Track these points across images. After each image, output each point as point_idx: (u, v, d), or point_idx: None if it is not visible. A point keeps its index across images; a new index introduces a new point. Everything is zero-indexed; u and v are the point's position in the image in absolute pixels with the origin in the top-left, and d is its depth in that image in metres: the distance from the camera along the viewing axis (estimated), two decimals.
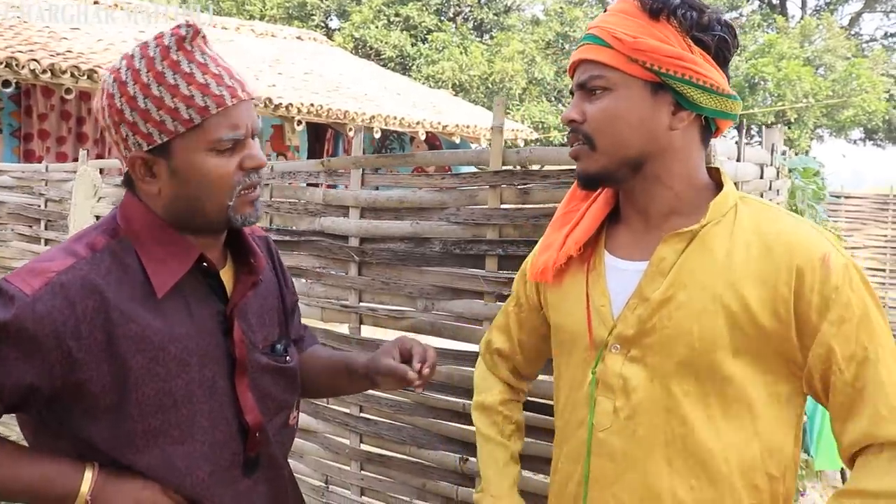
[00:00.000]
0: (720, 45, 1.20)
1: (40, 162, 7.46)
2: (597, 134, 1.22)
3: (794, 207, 3.80)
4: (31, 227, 3.82)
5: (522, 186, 2.01)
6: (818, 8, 22.60)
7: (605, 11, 1.25)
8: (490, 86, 19.10)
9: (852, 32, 22.22)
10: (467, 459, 2.18)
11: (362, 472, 2.45)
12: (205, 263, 1.25)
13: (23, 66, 5.65)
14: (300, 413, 1.54)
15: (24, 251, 3.87)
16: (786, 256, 1.15)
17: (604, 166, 1.23)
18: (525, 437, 1.73)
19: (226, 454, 1.27)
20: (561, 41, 21.02)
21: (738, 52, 20.57)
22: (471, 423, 2.13)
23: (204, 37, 1.22)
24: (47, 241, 3.73)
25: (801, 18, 21.33)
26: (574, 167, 1.38)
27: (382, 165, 2.37)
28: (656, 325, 1.19)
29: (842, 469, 4.82)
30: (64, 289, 1.14)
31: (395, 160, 2.36)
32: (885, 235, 8.96)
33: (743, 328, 1.15)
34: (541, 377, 2.04)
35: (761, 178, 2.73)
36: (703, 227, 1.19)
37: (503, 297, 2.05)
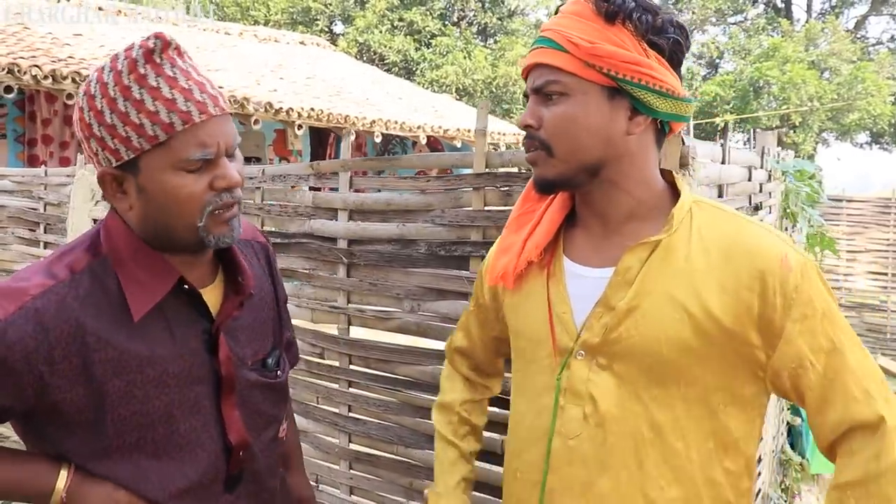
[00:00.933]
0: (674, 48, 1.20)
1: (45, 166, 7.56)
2: (554, 140, 1.21)
3: (787, 210, 3.80)
4: (31, 230, 3.86)
5: (505, 188, 2.04)
6: (823, 11, 22.57)
7: (556, 13, 1.24)
8: (494, 90, 19.15)
9: (858, 36, 22.18)
10: None
11: (351, 471, 2.47)
12: (185, 286, 1.23)
13: (25, 72, 5.70)
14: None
15: (23, 254, 3.91)
16: (746, 262, 1.17)
17: (561, 172, 1.22)
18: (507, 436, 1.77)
19: (207, 471, 1.27)
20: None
21: (743, 55, 20.56)
22: None
23: (177, 48, 1.17)
24: (46, 245, 3.78)
25: (806, 22, 21.30)
26: None
27: (370, 168, 2.40)
28: (622, 334, 1.20)
29: None
30: (38, 314, 1.13)
31: (381, 163, 2.39)
32: (888, 239, 8.93)
33: (708, 333, 1.17)
34: None
35: (749, 180, 2.75)
36: (665, 238, 1.19)
37: None
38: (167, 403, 1.22)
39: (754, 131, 19.90)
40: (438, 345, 2.25)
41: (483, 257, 2.06)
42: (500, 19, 21.63)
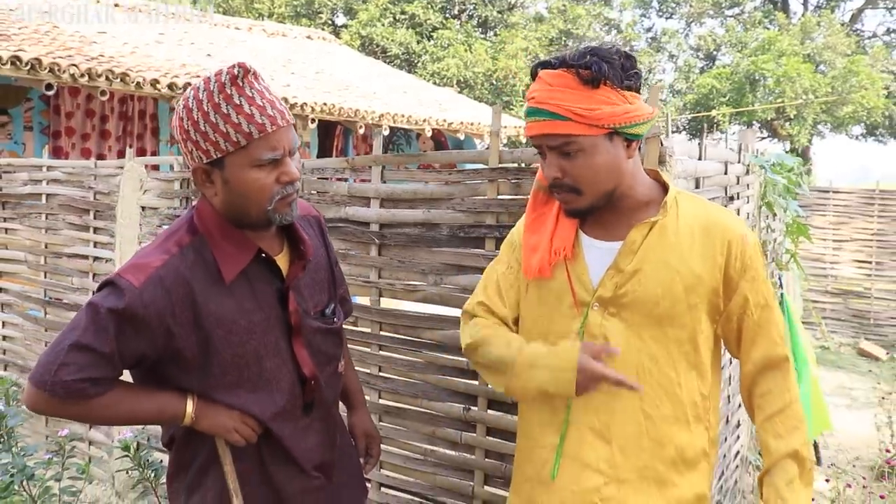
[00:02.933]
0: (637, 80, 1.58)
1: (67, 157, 7.92)
2: (581, 184, 1.58)
3: (764, 200, 4.18)
4: (80, 217, 4.24)
5: (515, 181, 2.43)
6: (820, 5, 22.79)
7: (535, 81, 1.57)
8: (494, 82, 19.46)
9: (853, 29, 22.39)
10: (469, 409, 2.60)
11: (381, 422, 2.86)
12: (263, 254, 1.64)
13: (64, 71, 6.07)
14: None
15: (73, 238, 4.29)
16: (719, 235, 1.63)
17: (591, 203, 1.62)
18: None
19: (289, 398, 1.70)
20: (564, 38, 21.37)
21: (740, 48, 20.83)
22: (473, 378, 2.58)
23: (255, 74, 1.55)
24: (96, 230, 4.15)
25: (803, 15, 21.55)
26: None
27: (398, 163, 2.80)
28: (628, 289, 1.62)
29: (815, 442, 5.18)
30: (162, 280, 1.54)
31: (409, 159, 2.79)
32: (872, 229, 9.33)
33: (692, 287, 1.62)
34: None
35: (725, 173, 3.13)
36: (660, 219, 1.63)
37: None
38: (256, 347, 1.64)
39: (751, 124, 20.15)
40: (458, 312, 2.64)
41: (496, 238, 2.47)
42: (500, 12, 21.89)
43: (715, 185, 2.96)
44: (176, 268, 1.56)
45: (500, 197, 2.47)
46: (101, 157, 8.32)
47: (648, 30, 25.20)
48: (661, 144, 2.15)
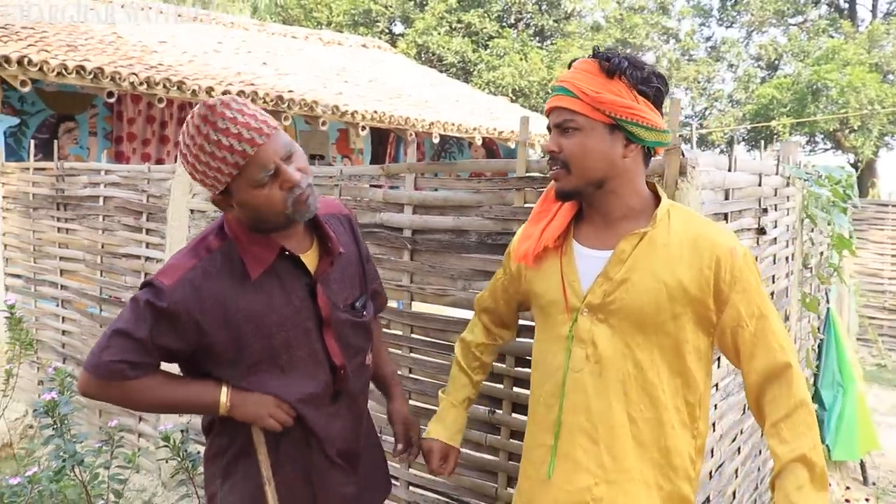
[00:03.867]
0: (656, 94, 1.68)
1: (128, 162, 8.23)
2: (571, 161, 1.69)
3: (806, 213, 4.14)
4: (134, 218, 4.43)
5: (541, 189, 2.49)
6: (890, 12, 22.18)
7: (569, 68, 1.71)
8: (549, 91, 19.46)
9: None
10: (494, 411, 2.66)
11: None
12: (287, 252, 1.76)
13: (124, 79, 6.35)
14: None
15: (127, 239, 4.49)
16: (707, 249, 1.68)
17: (576, 185, 1.71)
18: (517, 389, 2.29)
19: (319, 384, 1.82)
20: (621, 47, 21.30)
21: (802, 58, 20.39)
22: (498, 382, 2.64)
23: (223, 102, 1.61)
24: (148, 231, 4.33)
25: (871, 23, 21.00)
26: None
27: (431, 171, 2.88)
28: (616, 297, 1.70)
29: (861, 461, 5.09)
30: (191, 281, 1.69)
31: (442, 167, 2.86)
32: None
33: (678, 299, 1.67)
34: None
35: (759, 185, 3.13)
36: (650, 230, 1.69)
37: None
38: (286, 338, 1.77)
39: (813, 135, 19.64)
40: None
41: None
42: (556, 21, 21.90)
43: (746, 196, 2.96)
44: (205, 269, 1.71)
45: (526, 205, 2.53)
46: (159, 161, 8.60)
47: (708, 39, 24.85)
48: (683, 155, 2.18)
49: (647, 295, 1.67)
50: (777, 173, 3.56)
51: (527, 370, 2.59)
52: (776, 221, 3.54)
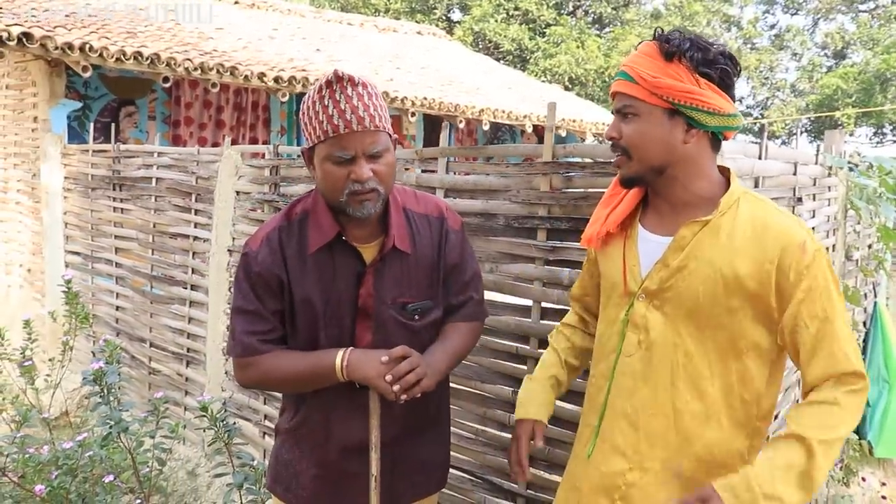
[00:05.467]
0: (722, 76, 1.59)
1: (185, 145, 8.47)
2: (631, 148, 1.65)
3: (850, 203, 4.06)
4: (184, 199, 4.59)
5: (566, 174, 2.52)
6: None
7: (634, 50, 1.67)
8: (606, 80, 19.26)
9: None
10: (518, 392, 2.71)
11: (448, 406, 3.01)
12: (342, 238, 1.83)
13: (179, 65, 6.55)
14: None
15: (177, 219, 4.65)
16: (772, 241, 1.58)
17: (637, 171, 1.67)
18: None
19: None
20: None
21: (871, 46, 19.76)
22: (522, 363, 2.68)
23: (351, 80, 1.74)
24: (196, 211, 4.48)
25: None
26: (602, 160, 2.14)
27: (463, 156, 2.93)
28: (673, 284, 1.65)
29: None
30: (270, 243, 1.86)
31: (471, 151, 2.91)
32: None
33: (734, 291, 1.60)
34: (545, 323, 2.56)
35: (794, 174, 3.10)
36: (714, 218, 1.62)
37: (549, 262, 2.57)
38: (322, 316, 1.85)
39: (882, 126, 19.01)
40: (512, 299, 2.75)
41: (547, 230, 2.57)
42: (615, 9, 21.62)
43: (779, 185, 2.94)
44: (279, 231, 1.87)
45: (552, 190, 2.56)
46: (215, 145, 8.83)
47: (772, 27, 24.25)
48: None
49: (702, 285, 1.61)
50: (816, 162, 3.51)
51: None
52: (814, 211, 3.49)
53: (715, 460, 1.66)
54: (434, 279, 1.94)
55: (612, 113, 1.71)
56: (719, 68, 1.58)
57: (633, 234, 1.76)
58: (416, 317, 1.91)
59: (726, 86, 1.61)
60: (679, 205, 1.69)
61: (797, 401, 3.57)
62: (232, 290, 1.93)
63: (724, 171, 1.72)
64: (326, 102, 1.71)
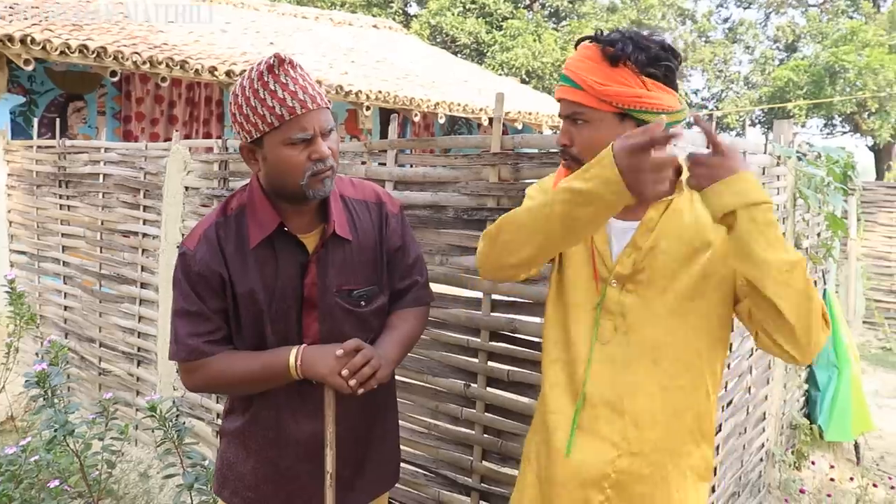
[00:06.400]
0: (667, 72, 1.59)
1: (136, 141, 8.31)
2: (582, 154, 1.62)
3: (799, 192, 4.12)
4: (132, 195, 4.49)
5: (515, 165, 2.51)
6: None
7: (576, 48, 1.65)
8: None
9: None
10: (469, 385, 2.70)
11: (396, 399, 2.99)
12: (284, 228, 1.79)
13: (127, 59, 6.40)
14: None
15: (126, 216, 4.55)
16: None
17: None
18: (513, 367, 2.28)
19: None
20: (636, 29, 20.98)
21: (820, 39, 20.13)
22: (474, 356, 2.67)
23: (291, 63, 1.71)
24: (145, 208, 4.39)
25: (892, 4, 20.67)
26: (552, 150, 2.09)
27: (411, 148, 2.90)
28: (646, 265, 1.65)
29: (855, 443, 5.09)
30: (208, 240, 1.79)
31: (420, 143, 2.88)
32: None
33: (706, 264, 1.62)
34: (527, 318, 2.56)
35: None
36: (675, 198, 1.64)
37: None
38: (267, 311, 1.79)
39: (832, 117, 19.36)
40: (462, 292, 2.74)
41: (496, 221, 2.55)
42: (571, 2, 21.72)
43: None
44: (216, 228, 1.80)
45: (500, 181, 2.55)
46: (168, 141, 8.68)
47: (725, 20, 24.60)
48: None
49: (675, 261, 1.64)
50: (765, 152, 3.55)
51: (501, 345, 2.62)
52: None
53: (701, 429, 1.70)
54: (377, 264, 1.92)
55: (561, 117, 1.69)
56: (663, 66, 1.58)
57: None
58: (363, 303, 1.88)
59: (671, 80, 1.62)
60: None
61: (749, 388, 3.61)
62: (172, 292, 1.79)
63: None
64: (274, 87, 1.66)
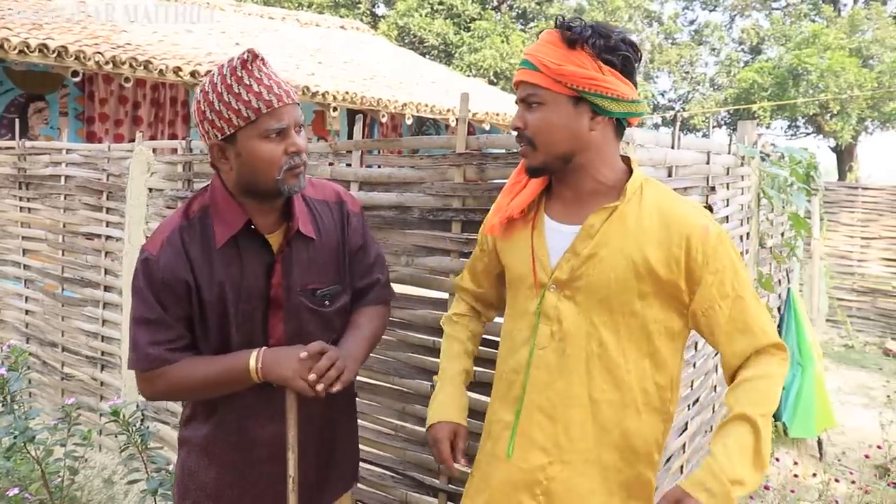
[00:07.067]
0: (624, 63, 1.60)
1: (100, 142, 8.17)
2: (536, 137, 1.64)
3: (763, 192, 4.18)
4: (95, 197, 4.41)
5: (481, 165, 2.51)
6: None
7: (537, 40, 1.65)
8: None
9: None
10: (435, 386, 2.69)
11: (357, 398, 2.97)
12: (252, 226, 1.76)
13: (89, 59, 6.30)
14: None
15: (88, 218, 4.47)
16: (678, 227, 1.62)
17: (543, 161, 1.66)
18: (476, 367, 2.27)
19: None
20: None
21: (784, 42, 20.42)
22: (440, 357, 2.66)
23: (262, 59, 1.71)
24: (108, 210, 4.32)
25: (851, 8, 21.04)
26: (517, 150, 1.92)
27: (377, 148, 2.89)
28: (583, 273, 1.65)
29: (819, 439, 5.17)
30: (172, 245, 1.73)
31: (384, 144, 2.87)
32: None
33: (645, 277, 1.62)
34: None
35: (707, 163, 3.16)
36: (621, 204, 1.64)
37: (465, 255, 2.55)
38: (233, 312, 1.76)
39: (795, 119, 19.59)
40: (428, 293, 2.73)
41: (462, 222, 2.55)
42: (538, 4, 21.81)
43: (692, 174, 2.99)
44: (180, 232, 1.75)
45: (466, 181, 2.54)
46: (132, 142, 8.55)
47: (691, 22, 24.86)
48: None
49: (613, 272, 1.61)
50: (730, 152, 3.59)
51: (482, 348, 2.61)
52: (728, 200, 3.58)
53: (632, 448, 1.67)
54: (340, 264, 1.92)
55: (516, 103, 1.69)
56: (621, 55, 1.59)
57: (540, 224, 1.74)
58: (327, 302, 1.88)
59: (628, 72, 1.63)
60: (584, 193, 1.69)
61: (715, 387, 3.65)
62: (131, 299, 1.74)
63: (626, 160, 1.73)
64: (248, 82, 1.65)
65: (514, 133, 1.71)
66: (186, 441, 1.93)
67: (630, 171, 1.70)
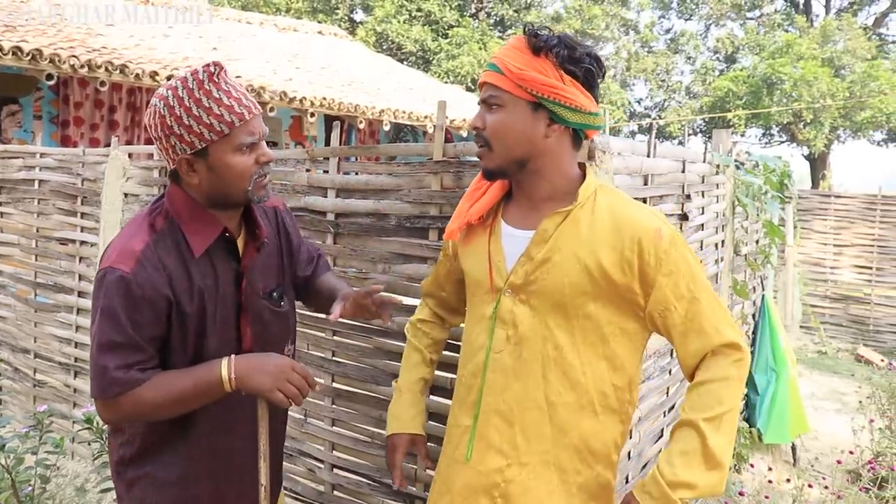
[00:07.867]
0: (587, 75, 1.63)
1: (75, 146, 8.09)
2: (493, 139, 1.67)
3: (737, 200, 4.23)
4: (69, 202, 4.37)
5: (457, 173, 2.52)
6: (843, 8, 22.57)
7: (504, 44, 1.69)
8: None
9: (877, 33, 22.10)
10: None
11: (333, 405, 2.96)
12: (227, 234, 1.77)
13: (64, 62, 6.24)
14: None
15: (62, 223, 4.43)
16: (629, 230, 1.64)
17: (498, 164, 1.69)
18: (441, 372, 2.30)
19: None
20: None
21: (758, 51, 20.67)
22: None
23: (225, 70, 1.71)
24: (83, 215, 4.28)
25: (823, 19, 21.35)
26: None
27: (354, 155, 2.89)
28: (537, 277, 1.67)
29: (793, 444, 5.23)
30: (149, 260, 1.67)
31: (362, 151, 2.88)
32: (873, 234, 9.31)
33: (598, 281, 1.64)
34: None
35: (682, 171, 3.19)
36: (574, 209, 1.66)
37: None
38: (208, 321, 1.75)
39: (770, 127, 19.81)
40: (406, 300, 2.73)
41: (439, 229, 2.56)
42: (516, 11, 21.92)
43: (668, 182, 3.02)
44: (154, 247, 1.69)
45: (443, 189, 2.55)
46: (108, 146, 8.47)
47: (667, 31, 25.08)
48: (591, 140, 2.21)
49: (567, 276, 1.64)
50: (705, 161, 3.63)
51: (444, 353, 2.61)
52: (703, 208, 3.61)
53: (590, 449, 1.69)
54: (282, 264, 1.97)
55: (479, 103, 1.72)
56: (584, 67, 1.63)
57: (497, 230, 1.77)
58: (282, 302, 1.92)
59: (590, 85, 1.65)
60: (539, 199, 1.72)
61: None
62: (96, 320, 1.67)
63: (583, 168, 1.76)
64: (218, 95, 1.65)
65: (474, 133, 1.73)
66: (142, 478, 1.81)
67: (585, 179, 1.73)
